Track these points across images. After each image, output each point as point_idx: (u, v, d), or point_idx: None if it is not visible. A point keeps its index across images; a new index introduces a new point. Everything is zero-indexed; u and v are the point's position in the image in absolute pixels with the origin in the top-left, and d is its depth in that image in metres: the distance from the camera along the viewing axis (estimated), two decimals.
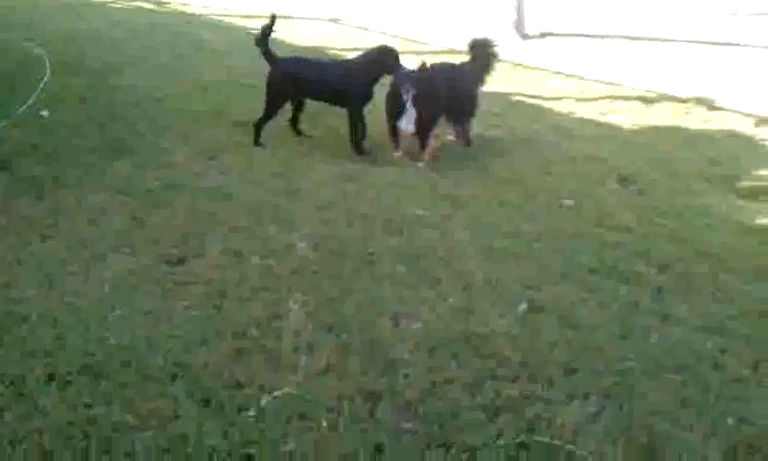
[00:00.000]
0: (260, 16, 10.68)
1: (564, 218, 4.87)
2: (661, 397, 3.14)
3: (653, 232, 4.68)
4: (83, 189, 4.87)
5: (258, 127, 5.87)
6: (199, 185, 5.05)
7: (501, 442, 2.84)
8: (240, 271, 3.98)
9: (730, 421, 3.01)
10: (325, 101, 6.02)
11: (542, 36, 10.36)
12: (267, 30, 5.75)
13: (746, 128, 6.69)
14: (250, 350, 3.31)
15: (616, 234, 4.63)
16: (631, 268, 4.21)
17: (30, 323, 3.43)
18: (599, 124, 6.84)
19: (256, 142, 5.86)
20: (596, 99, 7.55)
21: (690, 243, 4.53)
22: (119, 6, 11.75)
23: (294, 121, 6.11)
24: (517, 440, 2.85)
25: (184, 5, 12.02)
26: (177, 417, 2.87)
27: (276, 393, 3.02)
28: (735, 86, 7.78)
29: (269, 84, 5.84)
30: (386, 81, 5.80)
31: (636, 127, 6.77)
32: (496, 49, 6.21)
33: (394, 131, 5.80)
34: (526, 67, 8.79)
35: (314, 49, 8.09)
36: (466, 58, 6.23)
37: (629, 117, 7.00)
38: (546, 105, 7.41)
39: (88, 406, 2.90)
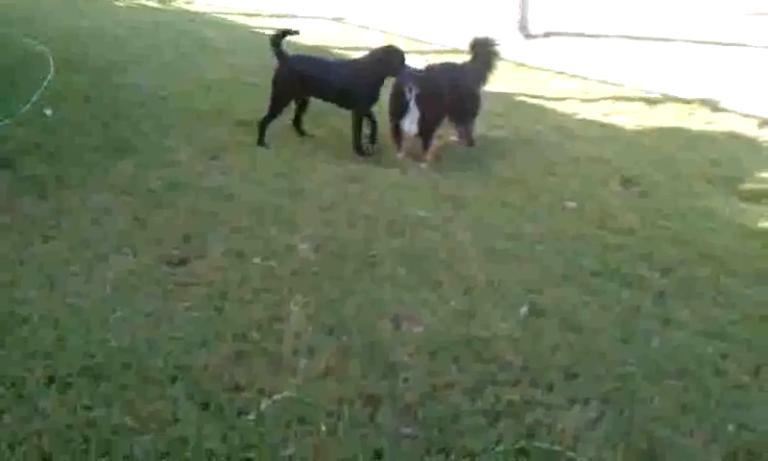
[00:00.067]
0: (263, 15, 10.81)
1: (566, 220, 4.86)
2: (662, 402, 3.14)
3: (655, 235, 4.68)
4: (86, 189, 4.87)
5: (263, 126, 5.86)
6: (201, 185, 5.05)
7: (501, 447, 2.84)
8: (241, 272, 3.98)
9: (730, 427, 3.01)
10: (331, 101, 6.01)
11: (546, 35, 10.34)
12: (285, 33, 5.77)
13: (749, 129, 6.67)
14: (250, 352, 3.31)
15: (619, 237, 4.62)
16: (633, 271, 4.21)
17: (31, 324, 3.43)
18: (602, 125, 6.83)
19: (260, 141, 5.86)
20: (599, 99, 7.54)
21: (693, 246, 4.53)
22: (122, 4, 11.75)
23: (297, 121, 6.11)
24: (517, 445, 2.84)
25: (188, 3, 12.03)
26: (176, 420, 2.87)
27: (275, 396, 3.02)
28: (739, 88, 7.76)
29: (275, 82, 5.84)
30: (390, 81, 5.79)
31: (640, 128, 6.76)
32: (498, 48, 6.19)
33: (396, 131, 5.79)
34: (529, 67, 8.77)
35: (317, 48, 8.07)
36: (468, 57, 6.21)
37: (632, 118, 6.99)
38: (549, 105, 7.40)
39: (88, 409, 2.90)
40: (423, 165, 5.67)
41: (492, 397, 3.10)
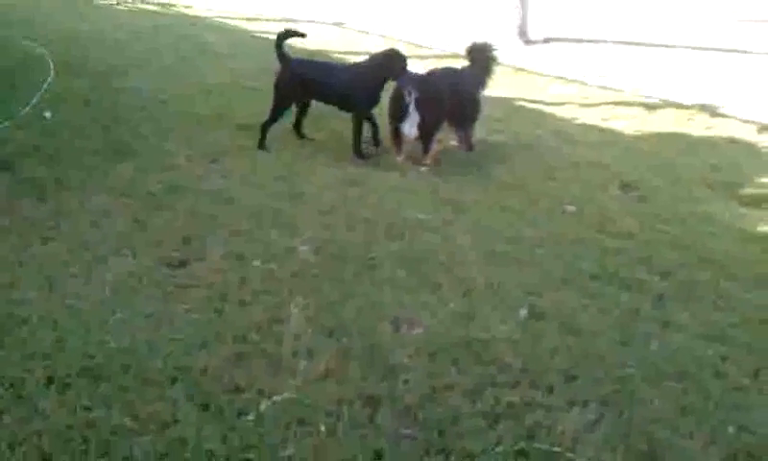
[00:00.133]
0: (263, 19, 10.82)
1: (565, 224, 4.86)
2: (662, 404, 3.14)
3: (655, 239, 4.68)
4: (85, 191, 4.87)
5: (264, 129, 5.87)
6: (201, 188, 5.05)
7: (500, 449, 2.83)
8: (241, 274, 3.98)
9: (730, 429, 3.01)
10: (332, 104, 6.02)
11: (546, 41, 10.37)
12: (289, 35, 5.78)
13: (748, 135, 6.68)
14: (250, 354, 3.31)
15: (618, 241, 4.62)
16: (632, 275, 4.21)
17: (30, 325, 3.43)
18: (602, 130, 6.84)
19: (261, 145, 5.86)
20: (599, 105, 7.55)
21: (692, 250, 4.53)
22: (123, 7, 11.77)
23: (297, 125, 6.11)
24: (517, 447, 2.84)
25: (187, 7, 12.03)
26: (176, 421, 2.87)
27: (275, 397, 3.02)
28: (738, 93, 7.77)
29: (277, 86, 5.84)
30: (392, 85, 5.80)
31: (639, 133, 6.76)
32: (496, 53, 6.20)
33: (396, 134, 5.80)
34: (529, 72, 8.79)
35: (317, 53, 8.08)
36: (466, 62, 6.21)
37: (631, 123, 6.99)
38: (549, 110, 7.41)
39: (87, 409, 2.90)
40: (423, 169, 5.68)
41: (491, 398, 3.10)
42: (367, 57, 6.04)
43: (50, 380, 3.05)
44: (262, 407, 2.97)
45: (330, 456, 2.77)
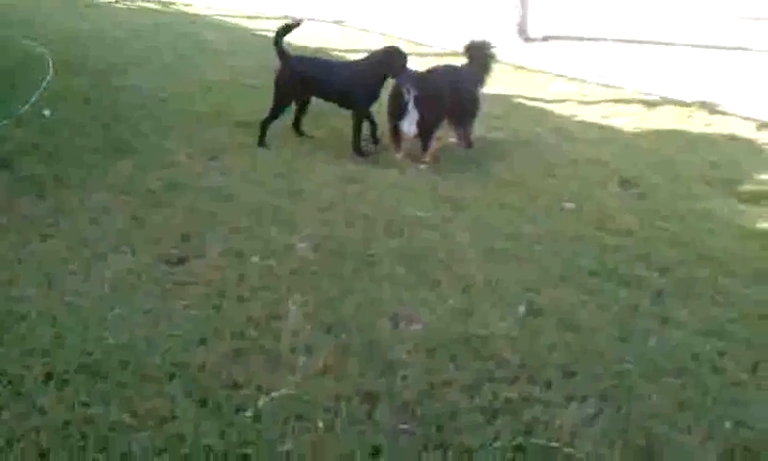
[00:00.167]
0: (264, 17, 10.82)
1: (564, 221, 4.86)
2: (660, 399, 3.14)
3: (654, 236, 4.68)
4: (84, 189, 4.88)
5: (264, 126, 5.87)
6: (200, 186, 5.06)
7: (498, 444, 2.84)
8: (240, 271, 3.99)
9: (727, 424, 3.01)
10: (332, 101, 6.01)
11: (545, 39, 10.36)
12: (287, 29, 5.76)
13: (747, 132, 6.68)
14: (248, 350, 3.32)
15: (617, 238, 4.62)
16: (631, 271, 4.21)
17: (29, 321, 3.44)
18: (601, 127, 6.83)
19: (261, 142, 5.87)
20: (598, 102, 7.54)
21: (691, 247, 4.53)
22: (122, 6, 11.77)
23: (297, 122, 6.11)
24: (515, 442, 2.85)
25: (187, 5, 12.03)
26: (174, 417, 2.88)
27: (273, 393, 3.02)
28: (737, 90, 7.77)
29: (277, 83, 5.84)
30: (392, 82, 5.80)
31: (638, 130, 6.76)
32: (494, 51, 6.19)
33: (395, 132, 5.80)
34: (529, 70, 8.78)
35: (317, 50, 8.07)
36: (465, 60, 6.21)
37: (631, 120, 6.99)
38: (548, 107, 7.40)
39: (86, 406, 2.91)
40: (422, 166, 5.67)
41: (489, 394, 3.11)
42: (367, 54, 6.03)
43: (48, 377, 3.06)
44: (260, 403, 2.97)
45: (328, 452, 2.77)
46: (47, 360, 3.15)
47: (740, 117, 7.01)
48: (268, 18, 10.49)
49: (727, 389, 3.22)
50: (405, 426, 2.91)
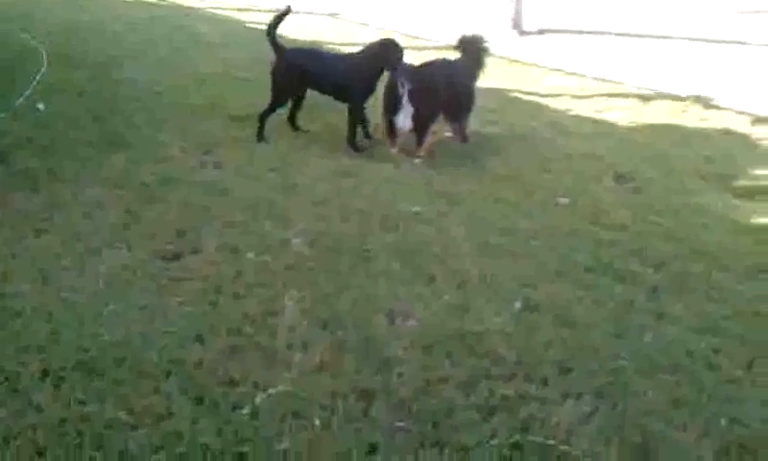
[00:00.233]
0: (256, 10, 10.78)
1: (560, 216, 4.86)
2: (655, 396, 3.15)
3: (648, 231, 4.68)
4: (78, 183, 4.87)
5: (262, 119, 5.85)
6: (194, 180, 5.05)
7: (495, 442, 2.84)
8: (235, 267, 3.98)
9: (723, 421, 3.02)
10: (328, 93, 5.99)
11: (540, 32, 10.35)
12: (278, 20, 5.72)
13: (742, 126, 6.67)
14: (244, 346, 3.32)
15: (612, 232, 4.62)
16: (626, 266, 4.21)
17: (24, 317, 3.44)
18: (596, 121, 6.83)
19: (260, 136, 5.86)
20: (593, 96, 7.53)
21: (686, 242, 4.53)
22: None
23: (292, 116, 6.09)
24: (511, 440, 2.85)
25: None
26: (170, 414, 2.88)
27: (270, 390, 3.02)
28: (732, 85, 7.78)
29: (275, 76, 5.82)
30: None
31: (633, 124, 6.76)
32: (487, 45, 6.18)
33: (390, 126, 5.79)
34: (524, 64, 8.76)
35: (312, 43, 8.05)
36: (458, 54, 6.19)
37: (626, 115, 6.98)
38: (544, 102, 7.39)
39: (82, 403, 2.90)
40: (417, 161, 5.67)
41: (485, 391, 3.11)
42: (362, 47, 6.00)
43: (44, 374, 3.06)
44: (257, 400, 2.97)
45: (325, 450, 2.77)
46: (43, 357, 3.15)
47: (735, 112, 6.99)
48: (260, 11, 10.45)
49: (722, 386, 3.23)
50: (401, 424, 2.91)
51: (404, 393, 3.08)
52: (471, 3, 11.22)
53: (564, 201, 5.05)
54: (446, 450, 2.79)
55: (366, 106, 5.89)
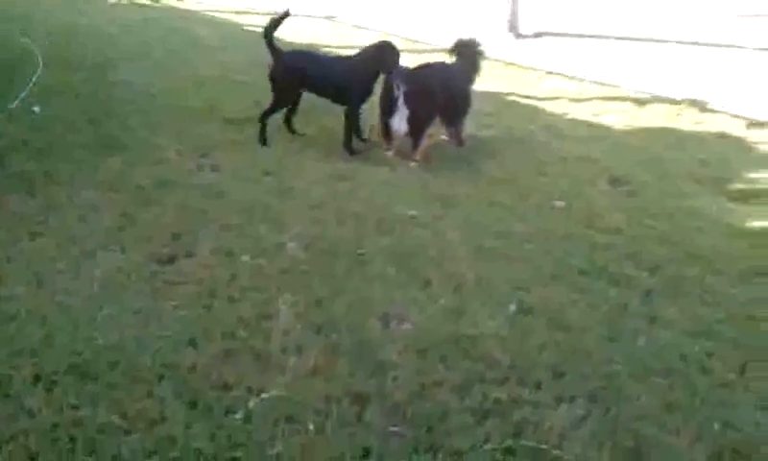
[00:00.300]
0: (254, 13, 10.79)
1: (555, 219, 4.87)
2: (648, 400, 3.15)
3: (643, 234, 4.69)
4: (74, 186, 4.86)
5: (263, 121, 5.86)
6: (190, 183, 5.05)
7: (488, 446, 2.85)
8: (230, 270, 3.98)
9: (716, 425, 3.03)
10: (325, 96, 5.99)
11: (537, 35, 10.35)
12: (276, 23, 5.72)
13: (737, 130, 6.68)
14: (238, 350, 3.32)
15: (607, 236, 4.63)
16: (621, 270, 4.22)
17: (18, 321, 3.43)
18: (592, 125, 6.84)
19: (263, 139, 5.86)
20: (590, 99, 7.54)
21: (680, 245, 4.54)
22: (115, 1, 11.71)
23: (288, 120, 6.09)
24: (504, 444, 2.85)
25: (179, 1, 11.98)
26: (164, 419, 2.87)
27: (264, 395, 3.02)
28: (728, 88, 7.79)
29: (272, 78, 5.82)
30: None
31: (629, 128, 6.77)
32: (482, 48, 6.18)
33: (386, 128, 5.79)
34: (520, 67, 8.77)
35: (308, 46, 8.06)
36: (455, 58, 6.19)
37: (621, 118, 6.99)
38: (540, 105, 7.40)
39: (75, 407, 2.90)
40: (413, 164, 5.67)
41: (479, 395, 3.11)
42: (359, 50, 6.00)
43: (37, 378, 3.05)
44: (250, 405, 2.97)
45: (318, 454, 2.77)
46: (36, 361, 3.15)
47: (730, 115, 7.01)
48: (258, 13, 10.46)
49: (715, 390, 3.23)
50: (395, 428, 2.91)
51: (398, 397, 3.08)
52: (468, 6, 11.23)
53: (559, 204, 5.06)
54: (440, 455, 2.80)
55: (362, 109, 5.89)
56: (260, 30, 5.84)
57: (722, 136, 6.56)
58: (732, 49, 9.52)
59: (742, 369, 3.38)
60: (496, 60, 8.20)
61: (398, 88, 5.54)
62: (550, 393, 3.16)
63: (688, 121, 6.95)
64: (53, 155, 5.32)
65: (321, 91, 5.96)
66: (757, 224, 4.93)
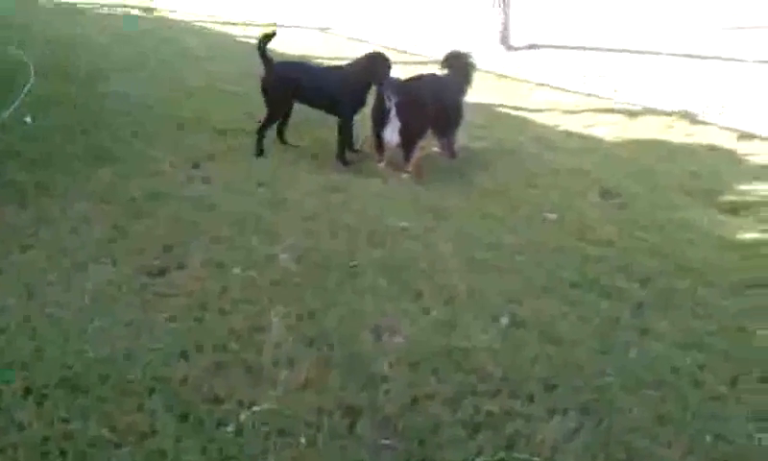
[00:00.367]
0: (245, 24, 10.81)
1: (546, 231, 4.87)
2: (640, 413, 3.15)
3: (634, 246, 4.69)
4: (66, 197, 4.86)
5: (261, 134, 5.87)
6: (182, 194, 5.04)
7: (481, 459, 2.85)
8: (222, 282, 3.97)
9: (708, 438, 3.03)
10: (317, 106, 6.00)
11: (528, 48, 10.40)
12: (268, 37, 5.74)
13: (728, 142, 6.71)
14: (230, 363, 3.31)
15: (598, 248, 4.63)
16: (612, 282, 4.22)
17: (8, 333, 3.42)
18: (583, 136, 6.86)
19: (259, 151, 5.87)
20: (581, 111, 7.56)
21: (671, 258, 4.55)
22: (106, 11, 11.73)
23: (280, 131, 6.10)
24: (497, 457, 2.86)
25: (172, 12, 12.00)
26: (154, 432, 2.87)
27: (255, 408, 3.01)
28: (718, 101, 7.83)
29: (265, 90, 5.83)
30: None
31: (619, 140, 6.79)
32: (473, 60, 6.20)
33: (378, 140, 5.80)
34: (512, 79, 8.81)
35: (301, 57, 8.07)
36: (446, 70, 6.20)
37: (612, 130, 7.02)
38: (531, 117, 7.42)
39: (65, 421, 2.89)
40: (405, 176, 5.67)
41: (471, 408, 3.11)
42: (350, 61, 6.01)
43: (27, 391, 3.04)
44: (242, 418, 2.96)
45: None
46: (26, 374, 3.13)
47: (721, 127, 7.05)
48: (250, 25, 10.49)
49: (706, 403, 3.24)
50: (387, 441, 2.91)
51: (390, 410, 3.08)
52: (459, 18, 11.27)
53: (551, 216, 5.07)
54: None
55: (355, 120, 5.90)
56: (252, 41, 5.87)
57: (713, 149, 6.58)
58: (720, 62, 9.58)
59: (733, 381, 3.39)
60: (488, 72, 8.24)
61: (390, 100, 5.54)
62: (542, 405, 3.16)
63: (679, 133, 6.98)
64: (45, 165, 5.31)
65: (313, 102, 5.96)
66: (748, 236, 4.94)
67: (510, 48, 10.26)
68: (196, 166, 5.57)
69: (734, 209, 5.34)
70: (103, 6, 12.14)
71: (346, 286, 4.03)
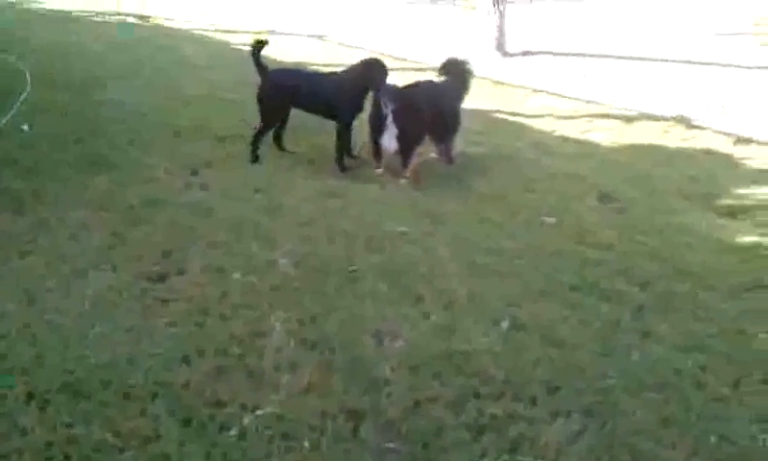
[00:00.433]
0: (242, 32, 10.83)
1: (545, 235, 4.88)
2: (644, 415, 3.15)
3: (633, 250, 4.70)
4: (63, 205, 4.84)
5: (256, 142, 5.86)
6: (180, 201, 5.03)
7: None
8: (221, 288, 3.96)
9: (712, 439, 3.02)
10: (314, 112, 6.00)
11: (524, 54, 10.44)
12: (260, 44, 5.75)
13: (724, 146, 6.74)
14: (231, 367, 3.30)
15: (597, 252, 4.64)
16: (612, 286, 4.22)
17: (9, 340, 3.41)
18: (579, 142, 6.88)
19: (254, 157, 5.86)
20: (577, 117, 7.59)
21: (671, 261, 4.55)
22: (100, 19, 11.73)
23: (277, 137, 6.10)
24: (501, 460, 2.85)
25: (168, 20, 12.00)
26: (158, 437, 2.85)
27: (258, 412, 3.00)
28: (714, 106, 7.86)
29: (260, 97, 5.83)
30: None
31: (616, 145, 6.81)
32: (470, 67, 6.21)
33: (376, 147, 5.80)
34: (508, 85, 8.84)
35: (297, 64, 8.08)
36: (444, 76, 6.22)
37: (609, 135, 7.04)
38: (528, 122, 7.44)
39: (68, 426, 2.87)
40: (403, 181, 5.67)
41: (474, 411, 3.10)
42: (347, 67, 6.02)
43: (30, 396, 3.02)
44: (245, 422, 2.95)
45: None
46: (28, 379, 3.12)
47: (717, 132, 7.08)
48: (247, 32, 10.49)
49: (709, 405, 3.23)
50: (391, 445, 2.90)
51: (393, 413, 3.07)
52: (456, 25, 11.30)
53: (550, 220, 5.08)
54: None
55: (353, 126, 5.90)
56: (248, 48, 5.87)
57: (709, 153, 6.61)
58: (716, 67, 9.63)
59: (736, 383, 3.39)
60: (484, 79, 8.27)
61: (387, 106, 5.54)
62: (546, 408, 3.16)
63: (676, 138, 7.01)
64: (42, 173, 5.30)
65: (310, 108, 5.97)
66: (747, 239, 4.95)
67: (506, 54, 10.30)
68: (194, 173, 5.56)
69: (732, 213, 5.35)
70: (97, 13, 12.14)
71: (345, 291, 4.02)
